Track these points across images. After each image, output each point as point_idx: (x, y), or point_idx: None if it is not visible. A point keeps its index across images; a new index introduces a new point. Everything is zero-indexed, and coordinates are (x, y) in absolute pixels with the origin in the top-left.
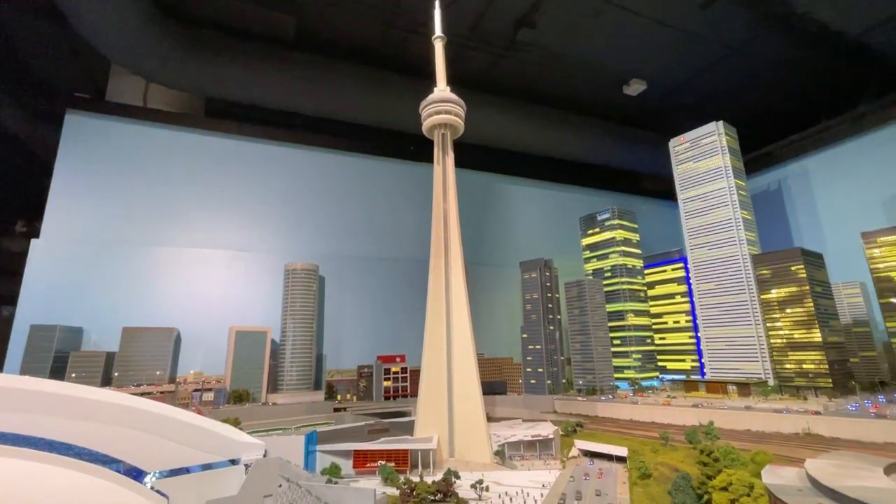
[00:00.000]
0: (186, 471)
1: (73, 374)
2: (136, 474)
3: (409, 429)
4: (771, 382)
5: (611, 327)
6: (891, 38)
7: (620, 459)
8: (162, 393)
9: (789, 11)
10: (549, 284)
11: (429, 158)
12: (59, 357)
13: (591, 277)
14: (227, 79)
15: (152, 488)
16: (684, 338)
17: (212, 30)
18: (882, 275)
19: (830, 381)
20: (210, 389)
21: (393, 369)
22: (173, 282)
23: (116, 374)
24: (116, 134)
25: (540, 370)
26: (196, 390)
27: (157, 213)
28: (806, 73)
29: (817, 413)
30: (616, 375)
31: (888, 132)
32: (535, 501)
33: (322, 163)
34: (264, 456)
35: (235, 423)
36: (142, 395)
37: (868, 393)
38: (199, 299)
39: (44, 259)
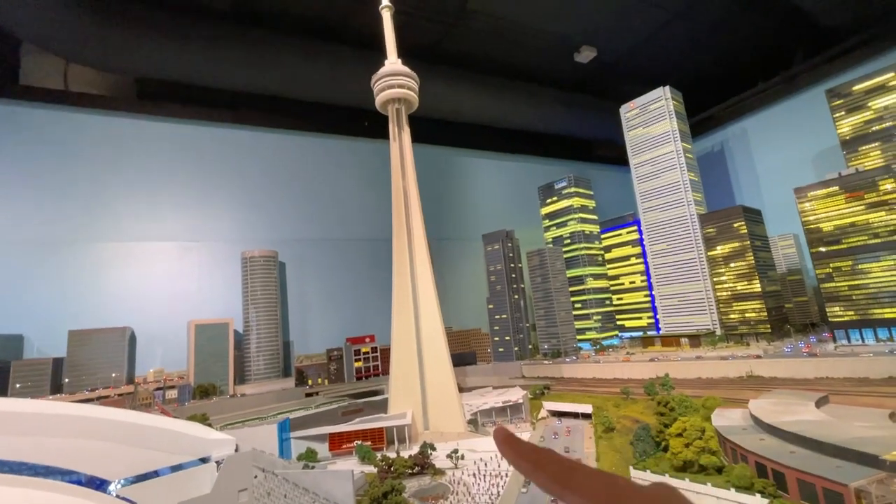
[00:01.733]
0: (155, 474)
1: (18, 385)
2: (99, 484)
3: (382, 407)
4: (719, 332)
5: (572, 292)
6: (817, 2)
7: (586, 416)
8: (120, 395)
9: None
10: (511, 255)
11: (385, 134)
12: None
13: (551, 245)
14: (159, 56)
15: (118, 496)
16: (640, 297)
17: (137, 2)
18: (812, 226)
19: (769, 326)
20: (173, 387)
21: (363, 349)
22: (121, 279)
23: (67, 380)
24: (37, 121)
25: (507, 338)
26: (158, 389)
27: (95, 207)
28: (743, 37)
29: (758, 357)
30: (578, 337)
31: (817, 91)
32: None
33: (273, 144)
34: (236, 450)
35: (203, 419)
36: (97, 399)
37: (801, 335)
38: (152, 295)
39: None
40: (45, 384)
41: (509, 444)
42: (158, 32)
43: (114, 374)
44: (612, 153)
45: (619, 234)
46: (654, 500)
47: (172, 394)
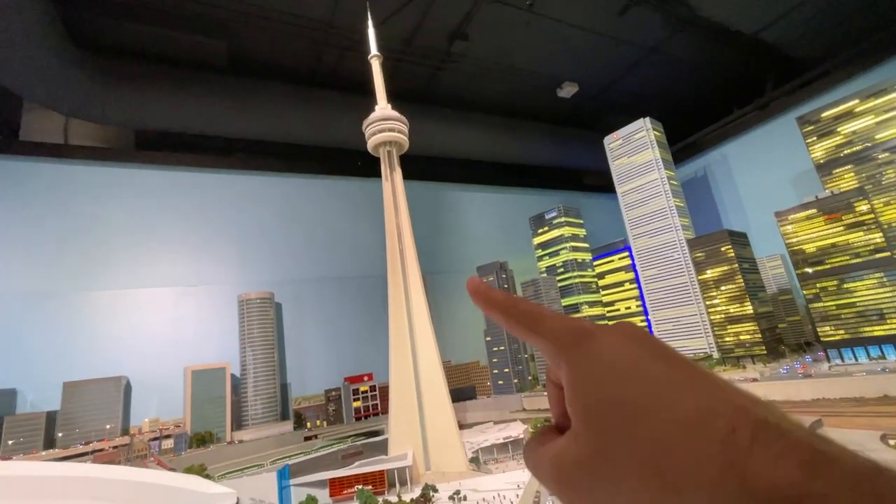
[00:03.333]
0: None
1: (10, 442)
2: None
3: (383, 448)
4: (716, 355)
5: None
6: (783, 34)
7: None
8: (115, 448)
9: (693, 14)
10: (506, 286)
11: (376, 173)
12: None
13: (544, 275)
14: (157, 109)
15: None
16: (637, 322)
17: (136, 59)
18: (796, 248)
19: (764, 348)
20: (169, 436)
21: (361, 388)
22: (117, 327)
23: (60, 434)
24: (37, 175)
25: (506, 370)
26: (153, 439)
27: (92, 256)
28: (715, 68)
29: (755, 380)
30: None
31: (789, 118)
32: (511, 502)
33: (267, 187)
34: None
35: (201, 470)
36: (92, 452)
37: (796, 355)
38: (148, 342)
39: None
40: (38, 439)
41: (481, 294)
42: (157, 86)
43: (108, 426)
44: (599, 182)
45: (612, 261)
46: (618, 336)
47: (168, 443)
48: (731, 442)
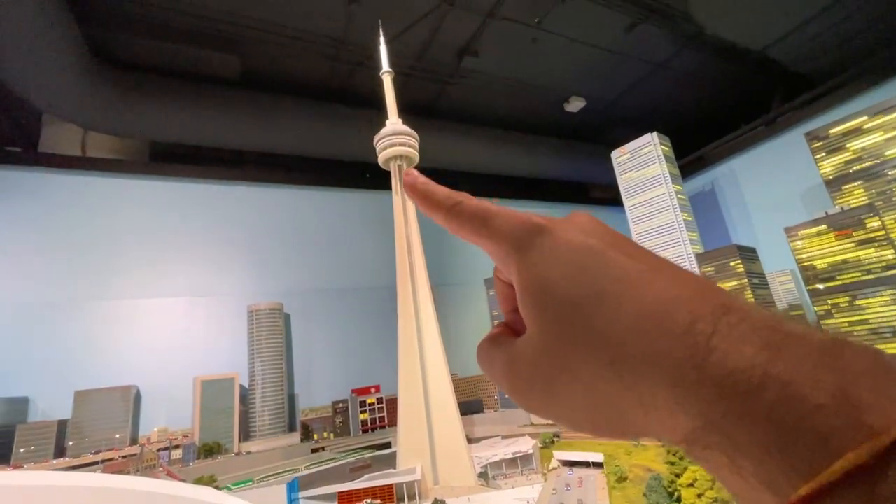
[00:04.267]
0: None
1: (22, 450)
2: None
3: (391, 461)
4: None
5: None
6: (791, 50)
7: (597, 465)
8: (124, 457)
9: (701, 31)
10: None
11: (385, 185)
12: (3, 432)
13: None
14: (172, 122)
15: None
16: None
17: (152, 73)
18: (806, 264)
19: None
20: (178, 446)
21: (369, 401)
22: (128, 336)
23: (71, 443)
24: (55, 186)
25: None
26: (162, 449)
27: (105, 266)
28: (722, 84)
29: None
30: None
31: (796, 133)
32: None
33: (278, 199)
34: None
35: (211, 481)
36: (102, 461)
37: None
38: (158, 352)
39: None
40: (49, 448)
41: (419, 190)
42: (173, 100)
43: (118, 435)
44: (607, 195)
45: None
46: (573, 229)
47: (177, 453)
48: (692, 331)
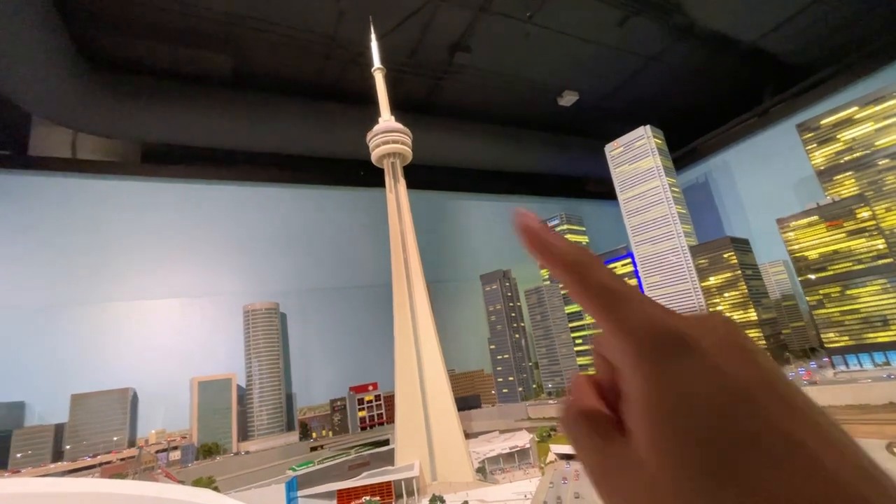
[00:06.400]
0: None
1: (19, 455)
2: None
3: (389, 458)
4: None
5: (572, 328)
6: (782, 42)
7: None
8: (123, 460)
9: (692, 24)
10: (510, 294)
11: (380, 182)
12: None
13: (548, 283)
14: (163, 122)
15: None
16: None
17: (143, 74)
18: (798, 255)
19: (770, 354)
20: (176, 447)
21: (366, 398)
22: (124, 338)
23: (68, 446)
24: (45, 189)
25: (511, 378)
26: (161, 451)
27: (99, 268)
28: (715, 76)
29: None
30: (581, 374)
31: (789, 124)
32: None
33: (271, 198)
34: None
35: (209, 482)
36: (99, 465)
37: (801, 361)
38: (155, 353)
39: None
40: (46, 452)
41: (537, 239)
42: (164, 100)
43: (115, 438)
44: (601, 189)
45: (615, 267)
46: (719, 351)
47: (175, 455)
48: None
